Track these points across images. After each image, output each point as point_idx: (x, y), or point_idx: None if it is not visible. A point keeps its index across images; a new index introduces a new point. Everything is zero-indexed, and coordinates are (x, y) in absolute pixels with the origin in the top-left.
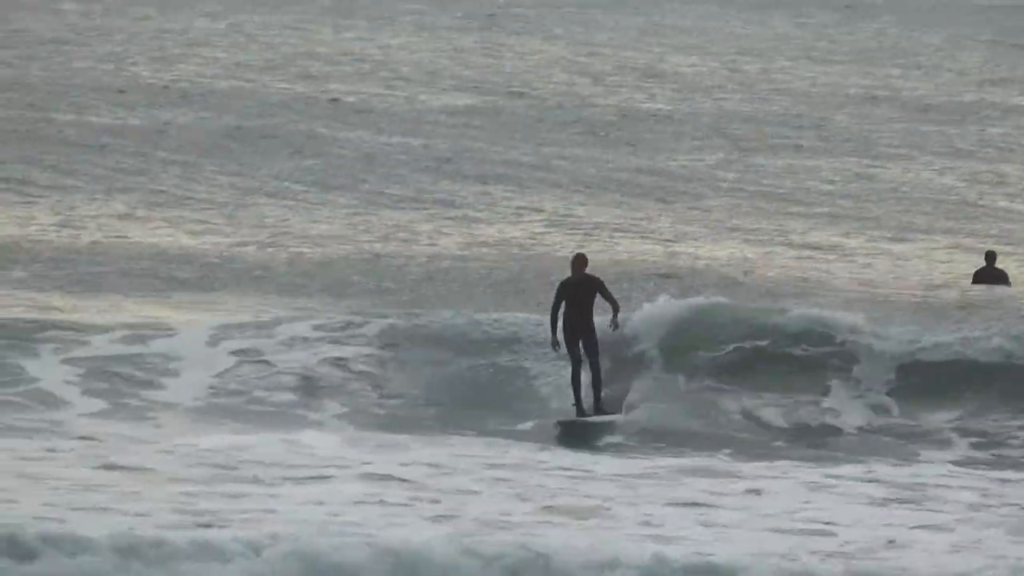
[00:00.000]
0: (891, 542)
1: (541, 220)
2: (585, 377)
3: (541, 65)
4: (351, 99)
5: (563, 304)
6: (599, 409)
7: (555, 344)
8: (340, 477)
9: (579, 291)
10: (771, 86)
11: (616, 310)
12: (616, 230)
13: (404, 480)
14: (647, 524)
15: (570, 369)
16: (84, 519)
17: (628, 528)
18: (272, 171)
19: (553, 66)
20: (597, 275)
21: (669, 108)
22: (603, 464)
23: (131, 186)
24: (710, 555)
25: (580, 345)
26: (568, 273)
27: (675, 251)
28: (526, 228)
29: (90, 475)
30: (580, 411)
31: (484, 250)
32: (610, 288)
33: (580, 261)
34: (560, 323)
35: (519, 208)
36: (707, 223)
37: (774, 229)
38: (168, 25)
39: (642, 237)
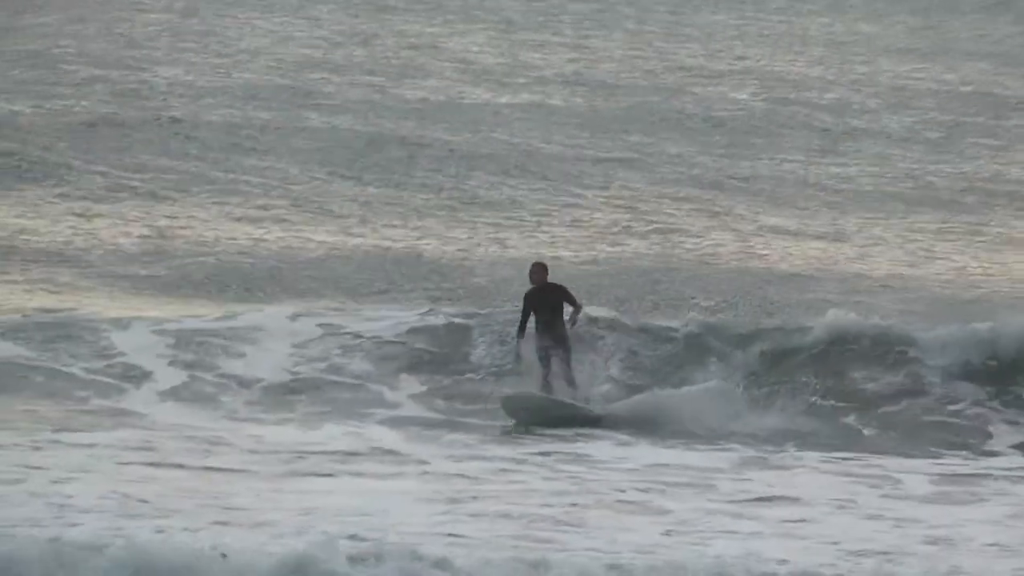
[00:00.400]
0: (943, 541)
1: (628, 217)
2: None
3: (627, 60)
4: (433, 97)
5: (531, 316)
6: (573, 387)
7: (519, 357)
8: (402, 474)
9: (544, 299)
10: (855, 81)
11: (578, 310)
12: (703, 226)
13: (465, 476)
14: (702, 520)
15: (541, 381)
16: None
17: (685, 525)
18: (360, 170)
19: (639, 61)
20: (559, 282)
21: (755, 103)
22: (669, 456)
23: (230, 186)
24: (753, 554)
25: (552, 360)
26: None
27: (759, 250)
28: (613, 223)
29: (150, 472)
30: (548, 391)
31: (573, 246)
32: (574, 292)
33: (539, 269)
34: (531, 338)
35: (607, 203)
36: (793, 218)
37: (859, 224)
38: (260, 23)
39: (726, 231)
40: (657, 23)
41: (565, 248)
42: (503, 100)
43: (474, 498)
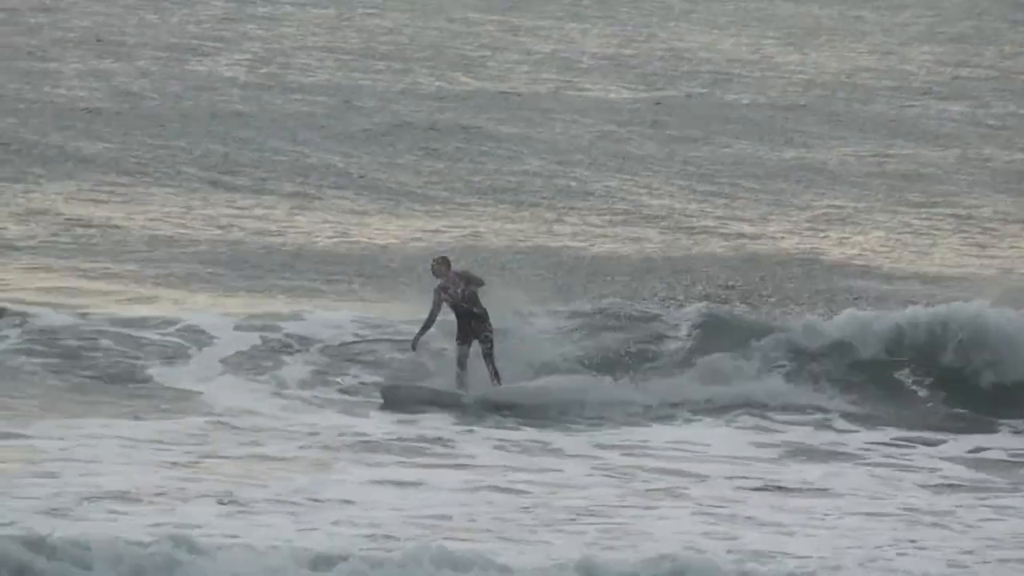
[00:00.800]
0: (972, 532)
1: (681, 205)
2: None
3: (679, 50)
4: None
5: (441, 308)
6: (496, 379)
7: (414, 345)
8: (444, 465)
9: (455, 288)
10: (908, 71)
11: (479, 284)
12: (758, 214)
13: (506, 467)
14: (735, 512)
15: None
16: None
17: (716, 516)
18: (415, 158)
19: (688, 52)
20: (461, 269)
21: (812, 91)
22: (722, 446)
23: (289, 174)
24: (778, 548)
25: (471, 343)
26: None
27: (816, 243)
28: (667, 210)
29: (192, 460)
30: (464, 388)
31: (626, 233)
32: (476, 272)
33: (442, 263)
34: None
35: (661, 191)
36: (849, 205)
37: (916, 210)
38: (315, 11)
39: (784, 220)
40: (710, 12)
41: (618, 237)
42: (556, 89)
43: (512, 491)
